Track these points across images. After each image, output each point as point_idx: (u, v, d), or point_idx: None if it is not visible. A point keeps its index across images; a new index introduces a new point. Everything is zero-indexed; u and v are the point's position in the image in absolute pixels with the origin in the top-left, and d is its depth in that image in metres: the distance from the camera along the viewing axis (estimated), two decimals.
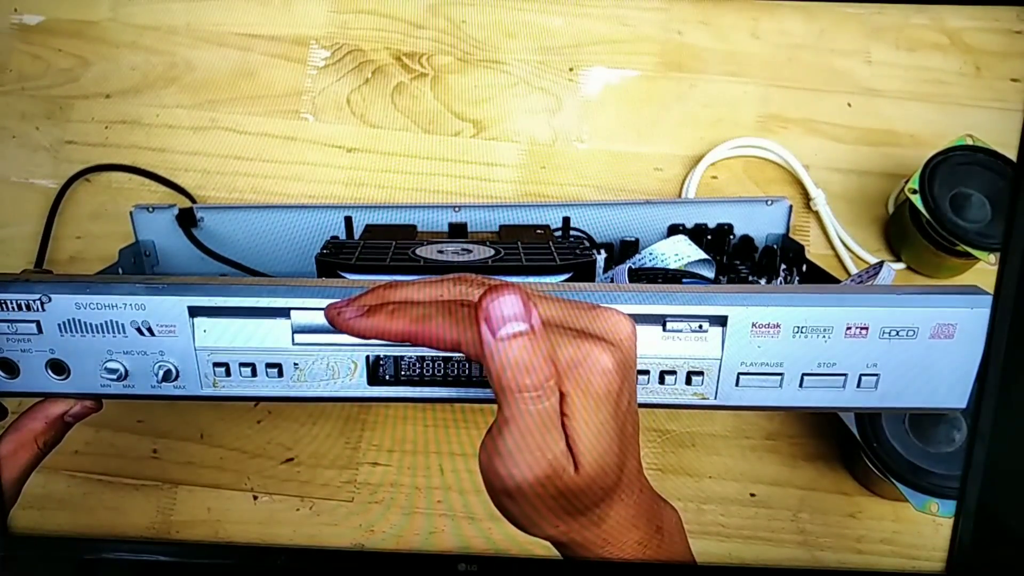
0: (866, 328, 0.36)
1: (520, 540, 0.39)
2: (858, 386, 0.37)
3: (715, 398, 0.37)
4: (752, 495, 0.55)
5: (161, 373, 0.38)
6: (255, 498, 0.55)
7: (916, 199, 0.53)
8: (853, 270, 0.58)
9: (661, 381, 0.37)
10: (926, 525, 0.53)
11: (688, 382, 0.37)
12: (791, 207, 0.55)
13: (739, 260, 0.55)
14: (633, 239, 0.55)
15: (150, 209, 0.55)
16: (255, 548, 0.47)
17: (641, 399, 0.38)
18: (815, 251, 0.59)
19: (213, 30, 0.62)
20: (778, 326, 0.36)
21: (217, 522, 0.55)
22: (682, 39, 0.62)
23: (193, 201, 0.59)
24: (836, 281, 0.49)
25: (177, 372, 0.38)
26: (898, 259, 0.59)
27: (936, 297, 0.36)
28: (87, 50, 0.62)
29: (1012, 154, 0.51)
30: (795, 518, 0.54)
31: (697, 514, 0.54)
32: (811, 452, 0.55)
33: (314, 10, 0.62)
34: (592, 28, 0.62)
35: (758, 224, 0.55)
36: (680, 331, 0.36)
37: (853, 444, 0.49)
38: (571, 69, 0.61)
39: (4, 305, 0.37)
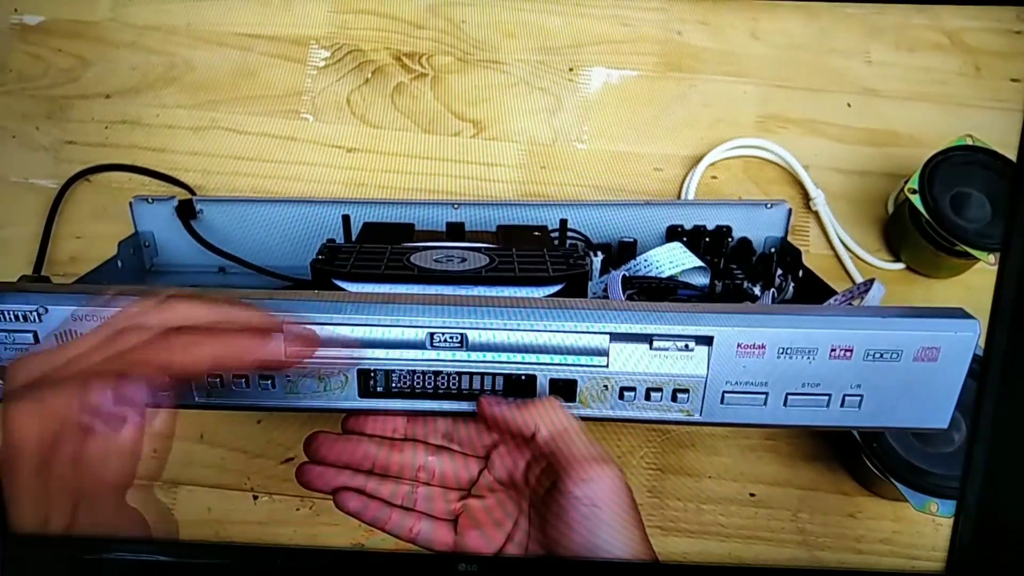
0: (850, 350, 0.36)
1: None
2: (842, 406, 0.38)
3: (700, 415, 0.38)
4: (752, 495, 0.55)
5: None
6: (255, 498, 0.55)
7: (916, 199, 0.53)
8: (853, 270, 0.58)
9: (647, 398, 0.38)
10: (926, 525, 0.53)
11: (674, 399, 0.38)
12: (791, 211, 0.55)
13: (736, 264, 0.55)
14: (631, 240, 0.55)
15: (150, 200, 0.55)
16: (255, 548, 0.47)
17: (627, 415, 0.38)
18: (815, 251, 0.59)
19: (213, 30, 0.62)
20: (763, 347, 0.36)
21: (217, 522, 0.55)
22: (682, 39, 0.62)
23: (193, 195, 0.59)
24: (831, 290, 0.49)
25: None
26: (898, 259, 0.59)
27: (921, 321, 0.36)
28: (87, 50, 0.62)
29: (1012, 154, 0.51)
30: (795, 518, 0.54)
31: (697, 514, 0.54)
32: (811, 452, 0.55)
33: (314, 10, 0.62)
34: (592, 28, 0.62)
35: (757, 227, 0.55)
36: (667, 349, 0.37)
37: (853, 444, 0.49)
38: (571, 69, 0.61)
39: (1, 316, 0.37)
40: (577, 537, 0.34)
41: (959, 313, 0.37)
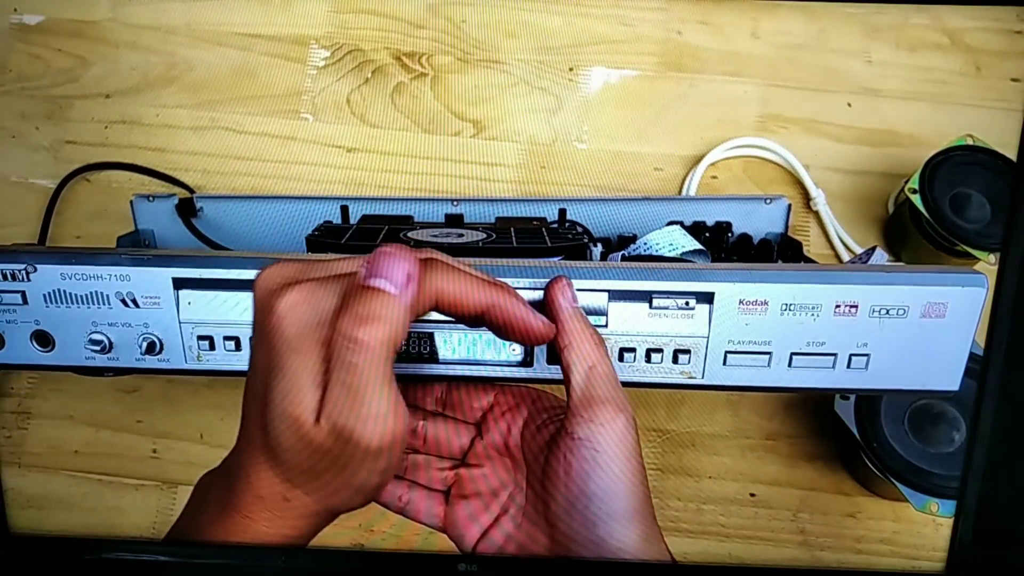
0: (855, 306, 0.35)
1: None
2: (848, 366, 0.36)
3: (702, 377, 0.37)
4: (752, 495, 0.55)
5: (145, 345, 0.38)
6: None
7: (916, 199, 0.53)
8: None
9: (648, 359, 0.37)
10: (926, 525, 0.53)
11: (675, 360, 0.37)
12: (790, 206, 0.55)
13: (736, 257, 0.55)
14: (631, 235, 0.55)
15: (150, 198, 0.55)
16: (255, 548, 0.47)
17: (627, 378, 0.37)
18: (815, 251, 0.59)
19: (213, 30, 0.62)
20: (765, 303, 0.35)
21: None
22: (682, 39, 0.62)
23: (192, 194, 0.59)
24: None
25: (161, 345, 0.38)
26: (898, 259, 0.59)
27: (927, 275, 0.35)
28: (87, 50, 0.62)
29: (1012, 154, 0.51)
30: (795, 518, 0.54)
31: (697, 514, 0.54)
32: (811, 452, 0.55)
33: (314, 10, 0.62)
34: (592, 28, 0.62)
35: (757, 222, 0.55)
36: (666, 308, 0.36)
37: (853, 444, 0.49)
38: (571, 69, 0.61)
39: None
40: (573, 486, 0.32)
41: (967, 270, 0.36)
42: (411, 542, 0.55)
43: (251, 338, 0.29)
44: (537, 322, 0.32)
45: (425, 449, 0.38)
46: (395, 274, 0.28)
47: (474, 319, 0.31)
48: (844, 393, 0.48)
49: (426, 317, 0.36)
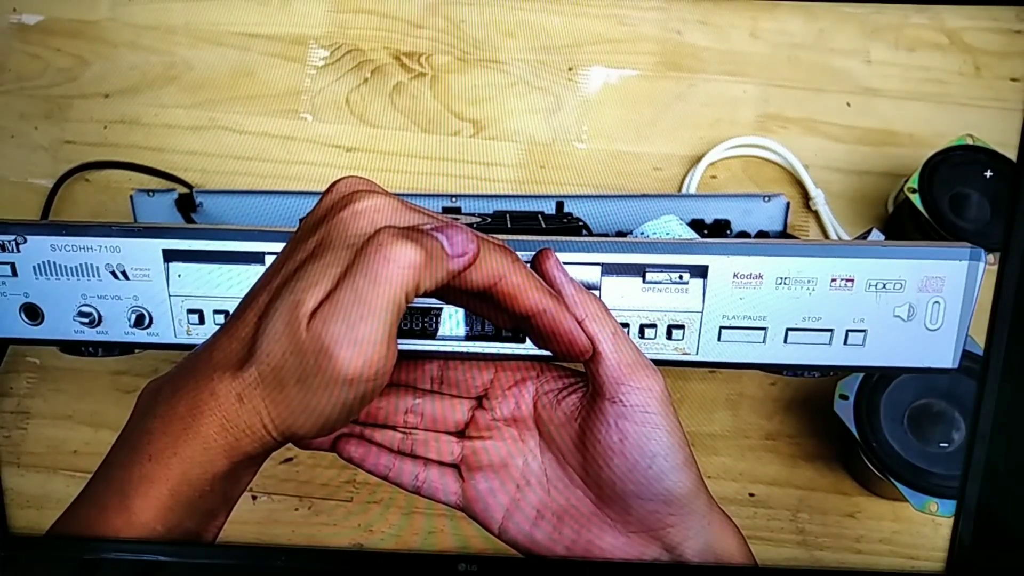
0: (851, 280, 0.35)
1: None
2: (845, 342, 0.36)
3: (696, 353, 0.37)
4: (752, 495, 0.55)
5: (134, 318, 0.37)
6: (254, 498, 0.55)
7: (915, 199, 0.53)
8: None
9: (641, 335, 0.37)
10: (926, 525, 0.53)
11: (669, 336, 0.37)
12: (788, 203, 0.55)
13: None
14: (629, 231, 0.55)
15: (150, 193, 0.55)
16: (255, 548, 0.47)
17: None
18: None
19: (212, 30, 0.61)
20: (760, 276, 0.35)
21: None
22: (681, 38, 0.62)
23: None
24: None
25: (151, 318, 0.38)
26: None
27: (924, 249, 0.35)
28: (86, 50, 0.61)
29: (1012, 154, 0.51)
30: (794, 518, 0.54)
31: None
32: (811, 452, 0.55)
33: (313, 9, 0.62)
34: (591, 27, 0.62)
35: (755, 220, 0.55)
36: (660, 282, 0.36)
37: (853, 444, 0.49)
38: (570, 69, 0.61)
39: None
40: (633, 449, 0.33)
41: (965, 245, 0.36)
42: (411, 542, 0.55)
43: (289, 241, 0.30)
44: (583, 337, 0.32)
45: (424, 425, 0.38)
46: (458, 241, 0.29)
47: (522, 318, 0.31)
48: (841, 371, 0.47)
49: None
